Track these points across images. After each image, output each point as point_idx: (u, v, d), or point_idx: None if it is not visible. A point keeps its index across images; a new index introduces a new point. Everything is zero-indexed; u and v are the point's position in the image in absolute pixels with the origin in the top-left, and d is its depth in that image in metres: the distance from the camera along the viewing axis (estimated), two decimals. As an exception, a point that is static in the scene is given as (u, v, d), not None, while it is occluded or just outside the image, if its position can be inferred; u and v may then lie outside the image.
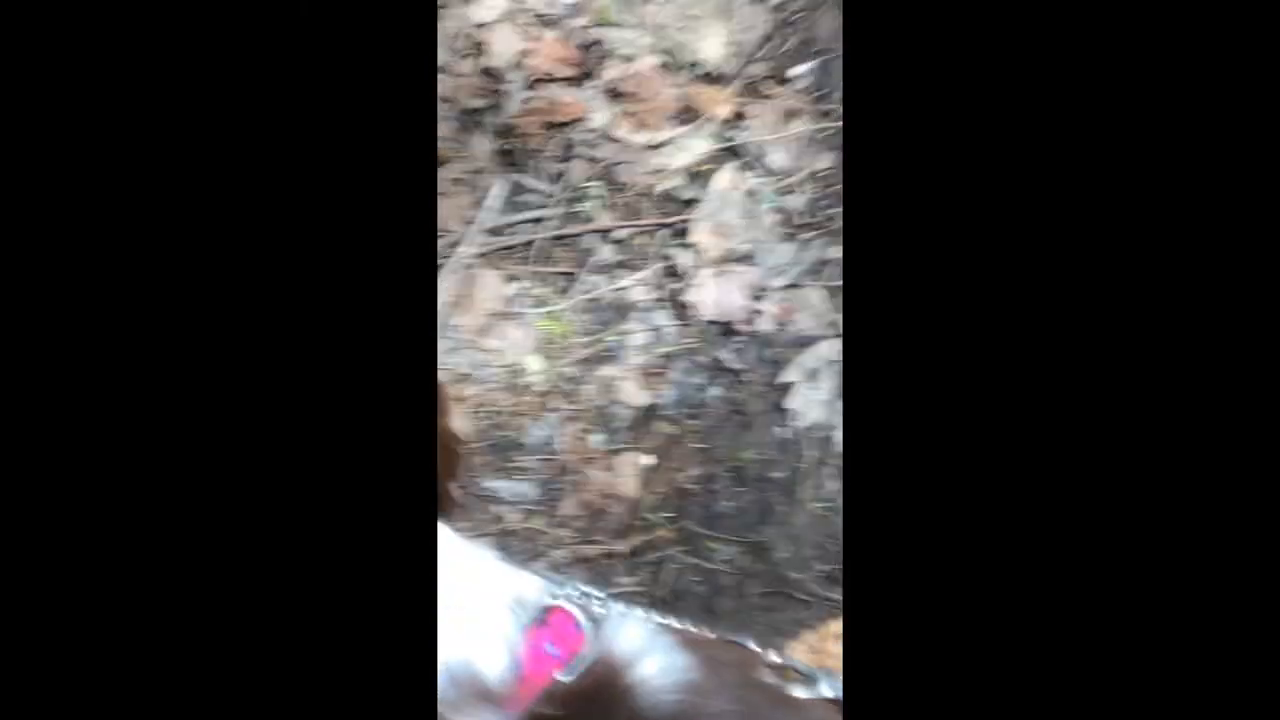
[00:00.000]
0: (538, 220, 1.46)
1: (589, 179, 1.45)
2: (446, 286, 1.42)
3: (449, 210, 1.44)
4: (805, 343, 1.44)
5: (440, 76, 1.47)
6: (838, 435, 1.43)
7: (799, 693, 0.94)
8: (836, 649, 1.33)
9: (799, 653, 1.33)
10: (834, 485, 1.44)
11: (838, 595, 1.40)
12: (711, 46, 1.46)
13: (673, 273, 1.43)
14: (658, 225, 1.45)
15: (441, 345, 1.40)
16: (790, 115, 1.50)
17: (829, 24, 1.53)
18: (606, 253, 1.45)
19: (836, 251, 1.49)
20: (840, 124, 1.56)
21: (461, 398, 1.39)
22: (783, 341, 1.44)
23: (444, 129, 1.46)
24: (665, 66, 1.47)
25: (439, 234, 1.44)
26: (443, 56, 1.47)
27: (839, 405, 1.44)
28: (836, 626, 1.36)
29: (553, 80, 1.45)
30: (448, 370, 1.42)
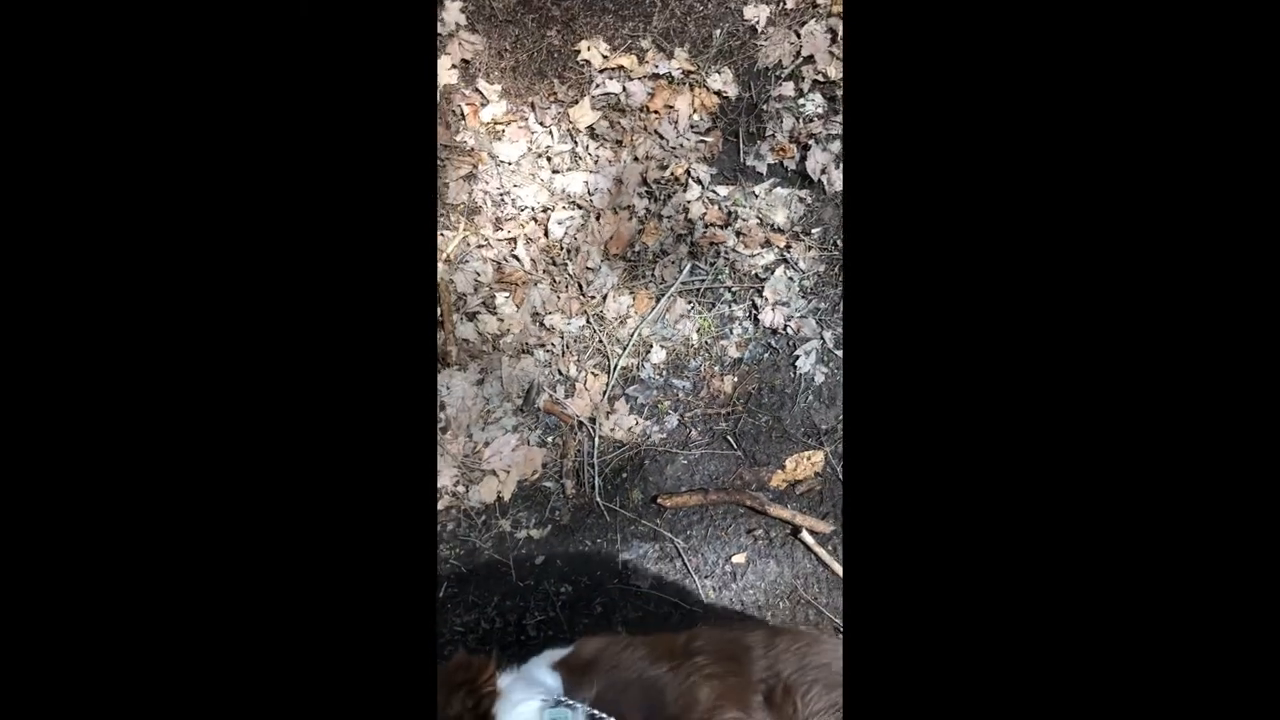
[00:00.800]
0: (703, 279, 2.18)
1: (724, 265, 2.17)
2: (664, 303, 2.23)
3: (667, 273, 2.23)
4: (805, 340, 2.13)
5: (659, 221, 2.20)
6: (819, 378, 2.08)
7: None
8: (806, 470, 2.05)
9: (787, 468, 2.03)
10: (811, 398, 2.07)
11: (813, 443, 2.05)
12: (780, 217, 2.20)
13: (755, 305, 2.13)
14: (751, 286, 2.14)
15: (657, 325, 2.21)
16: (809, 248, 2.19)
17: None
18: (728, 295, 2.17)
19: (823, 303, 2.10)
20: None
21: (664, 346, 2.22)
22: (798, 338, 2.14)
23: (669, 247, 2.21)
24: (760, 223, 2.18)
25: (669, 284, 2.21)
26: (667, 211, 2.32)
27: (820, 366, 2.09)
28: (813, 455, 2.03)
29: (712, 225, 2.21)
30: (658, 336, 2.16)
